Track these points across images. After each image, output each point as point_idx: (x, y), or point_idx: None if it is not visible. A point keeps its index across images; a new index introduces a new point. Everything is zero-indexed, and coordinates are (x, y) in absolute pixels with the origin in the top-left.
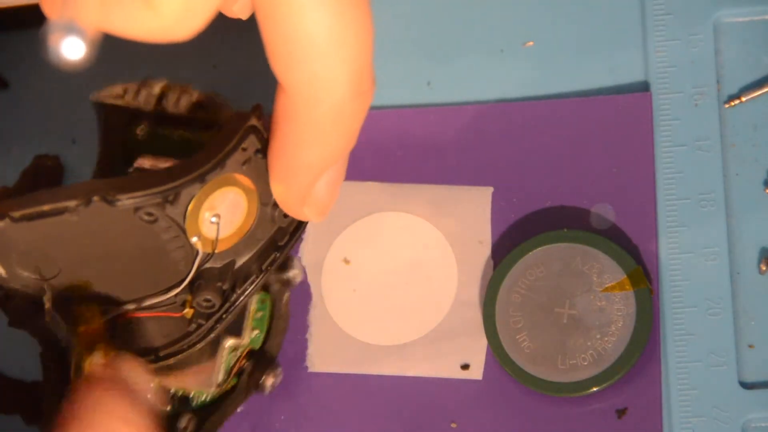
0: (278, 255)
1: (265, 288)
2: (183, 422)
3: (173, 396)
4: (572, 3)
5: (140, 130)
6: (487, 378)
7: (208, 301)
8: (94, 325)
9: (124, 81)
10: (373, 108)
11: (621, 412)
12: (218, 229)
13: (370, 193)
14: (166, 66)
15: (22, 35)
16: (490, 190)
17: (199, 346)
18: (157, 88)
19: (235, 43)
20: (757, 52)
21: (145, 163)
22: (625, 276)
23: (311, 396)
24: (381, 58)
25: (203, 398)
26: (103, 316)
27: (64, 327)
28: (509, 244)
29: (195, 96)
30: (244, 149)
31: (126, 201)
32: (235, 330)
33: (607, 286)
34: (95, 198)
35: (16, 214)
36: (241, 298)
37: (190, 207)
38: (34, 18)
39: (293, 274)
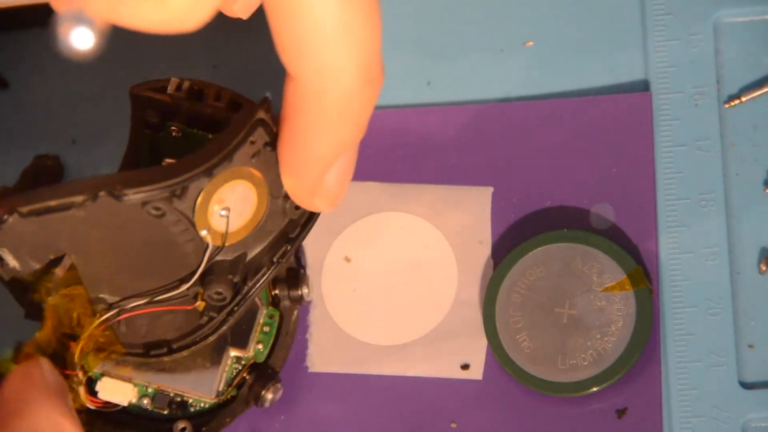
0: (289, 247)
1: (275, 304)
2: (179, 427)
3: (171, 401)
4: (572, 3)
5: (174, 129)
6: (487, 378)
7: (219, 294)
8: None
9: (125, 81)
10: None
11: (621, 412)
12: (228, 222)
13: (370, 193)
14: (166, 66)
15: (22, 35)
16: (490, 190)
17: (211, 338)
18: (196, 86)
19: (235, 43)
20: (757, 52)
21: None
22: (625, 276)
23: (311, 396)
24: None
25: (201, 406)
26: (107, 312)
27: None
28: (509, 244)
29: (230, 95)
30: (253, 142)
31: (133, 196)
32: (241, 342)
33: (607, 286)
34: (102, 193)
35: (25, 209)
36: (253, 290)
37: (198, 200)
38: (34, 18)
39: (305, 291)
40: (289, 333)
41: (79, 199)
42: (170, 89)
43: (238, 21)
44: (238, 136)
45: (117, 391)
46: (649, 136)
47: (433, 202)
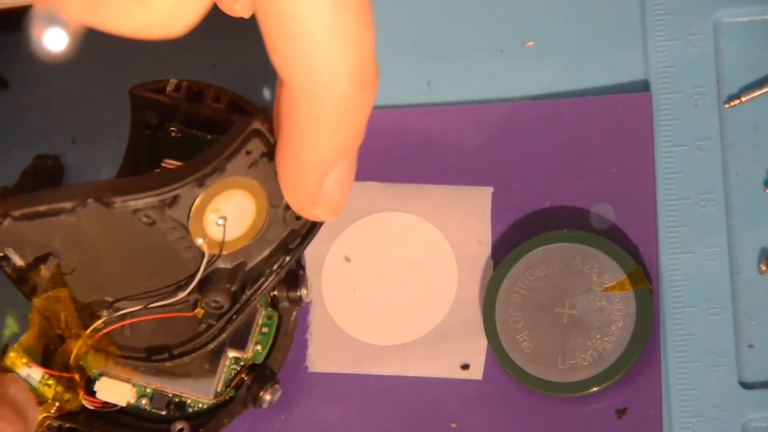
0: (289, 258)
1: (274, 305)
2: (176, 428)
3: (170, 401)
4: (572, 3)
5: (173, 130)
6: (487, 378)
7: (216, 302)
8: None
9: (125, 81)
10: (373, 108)
11: (621, 412)
12: (224, 231)
13: (370, 193)
14: (165, 66)
15: (22, 35)
16: (490, 190)
17: (211, 345)
18: (195, 87)
19: (235, 42)
20: (757, 52)
21: (171, 165)
22: (625, 276)
23: (311, 396)
24: (381, 58)
25: (200, 406)
26: (107, 316)
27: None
28: (509, 244)
29: (229, 96)
30: (249, 152)
31: (122, 204)
32: (239, 343)
33: (607, 286)
34: (90, 200)
35: (17, 213)
36: (252, 299)
37: (193, 209)
38: None
39: (303, 292)
40: (288, 334)
41: (68, 205)
42: (169, 90)
43: (237, 21)
44: (230, 147)
45: (115, 391)
46: (649, 136)
47: (433, 202)
